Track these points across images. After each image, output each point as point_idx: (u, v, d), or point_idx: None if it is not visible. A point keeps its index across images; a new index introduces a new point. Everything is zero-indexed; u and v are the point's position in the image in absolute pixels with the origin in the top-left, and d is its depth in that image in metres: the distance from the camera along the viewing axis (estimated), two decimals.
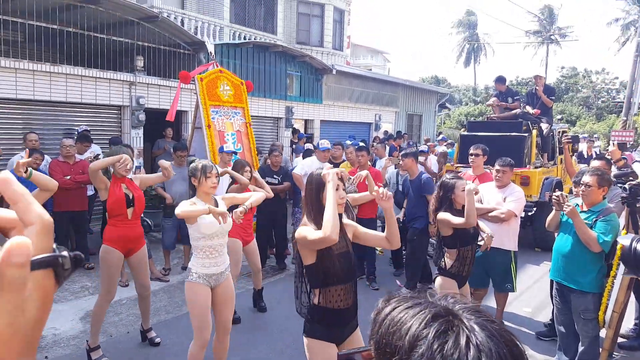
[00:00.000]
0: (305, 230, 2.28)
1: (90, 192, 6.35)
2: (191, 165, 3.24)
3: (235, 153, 6.10)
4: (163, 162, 4.04)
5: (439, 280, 3.56)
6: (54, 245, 0.59)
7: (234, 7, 13.86)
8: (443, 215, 3.44)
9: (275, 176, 6.06)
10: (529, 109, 8.08)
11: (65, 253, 0.59)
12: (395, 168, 6.27)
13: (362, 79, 14.15)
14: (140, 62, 8.15)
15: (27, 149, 3.91)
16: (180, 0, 13.55)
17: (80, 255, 0.62)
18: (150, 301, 4.26)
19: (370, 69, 31.36)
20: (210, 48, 6.91)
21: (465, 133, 7.93)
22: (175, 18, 10.38)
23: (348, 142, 8.10)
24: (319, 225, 2.24)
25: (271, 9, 14.96)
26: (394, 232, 2.42)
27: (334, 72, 12.31)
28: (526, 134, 7.44)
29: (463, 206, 3.47)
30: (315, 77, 12.18)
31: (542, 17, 41.67)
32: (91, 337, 3.83)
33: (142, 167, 6.60)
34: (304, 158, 6.78)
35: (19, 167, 4.03)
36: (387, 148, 9.34)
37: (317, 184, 2.37)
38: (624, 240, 3.22)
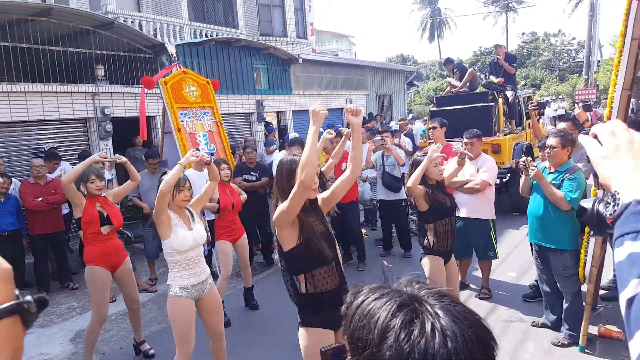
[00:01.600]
0: (279, 207, 2.22)
1: (65, 211, 6.17)
2: (162, 178, 3.10)
3: (212, 155, 6.00)
4: (117, 156, 3.98)
5: (425, 260, 3.58)
6: (17, 292, 0.57)
7: (192, 5, 13.53)
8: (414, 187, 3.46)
9: (252, 173, 6.01)
10: (492, 78, 8.22)
11: (29, 297, 0.58)
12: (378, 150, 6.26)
13: (330, 65, 14.09)
14: (101, 72, 7.91)
15: None
16: (135, 3, 13.16)
17: (45, 297, 0.60)
18: (140, 313, 4.21)
19: (337, 54, 31.22)
20: (172, 50, 6.76)
21: (435, 109, 8.02)
22: (132, 22, 10.08)
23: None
24: None
25: (230, 3, 14.66)
26: (358, 155, 2.38)
27: (301, 61, 12.22)
28: (493, 103, 7.58)
29: (437, 182, 3.55)
30: (282, 68, 12.06)
31: None
32: (85, 358, 3.76)
33: (114, 180, 6.44)
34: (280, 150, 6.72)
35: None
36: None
37: (287, 170, 2.33)
38: (586, 203, 3.31)
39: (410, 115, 13.28)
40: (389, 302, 0.68)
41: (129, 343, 4.38)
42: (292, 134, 6.28)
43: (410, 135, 10.51)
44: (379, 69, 16.89)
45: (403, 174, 5.96)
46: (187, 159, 3.10)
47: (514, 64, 8.25)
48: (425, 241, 3.56)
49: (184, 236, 2.94)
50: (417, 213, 3.68)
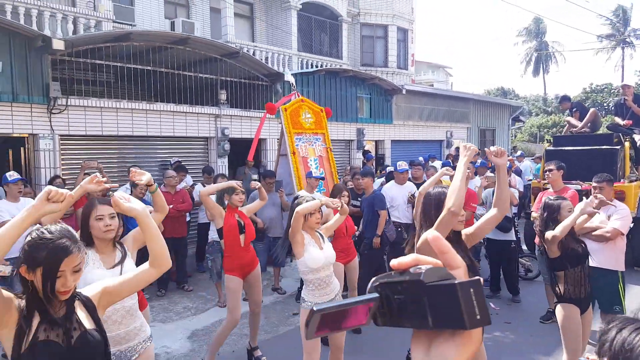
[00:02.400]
0: (422, 235, 2.36)
1: (187, 219, 6.88)
2: (297, 200, 3.42)
3: (323, 179, 6.35)
4: (255, 183, 4.44)
5: (559, 308, 3.44)
6: None
7: (301, 37, 14.49)
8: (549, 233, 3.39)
9: (359, 199, 6.23)
10: (618, 120, 7.75)
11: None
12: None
13: (432, 96, 14.14)
14: (223, 96, 8.78)
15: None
16: (250, 34, 14.41)
17: None
18: (260, 318, 4.56)
19: (432, 85, 31.08)
20: (292, 79, 7.32)
21: (551, 148, 7.71)
22: (247, 50, 11.06)
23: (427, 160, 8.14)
24: None
25: (336, 35, 15.46)
26: (505, 195, 2.49)
27: (404, 91, 12.43)
28: (618, 147, 7.12)
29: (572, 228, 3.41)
30: (384, 98, 12.37)
31: (614, 19, 39.39)
32: (209, 356, 4.16)
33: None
34: (387, 180, 6.89)
35: (140, 189, 4.50)
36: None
37: (436, 201, 2.45)
38: None
39: (519, 152, 12.78)
40: None
41: (241, 347, 4.73)
42: (401, 163, 6.44)
43: (518, 173, 10.17)
44: (483, 102, 16.56)
45: (514, 214, 5.82)
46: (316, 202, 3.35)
47: None
48: (557, 289, 3.43)
49: (317, 255, 3.24)
50: (546, 260, 3.56)
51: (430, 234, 0.60)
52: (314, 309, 0.54)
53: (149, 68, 7.92)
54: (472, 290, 0.51)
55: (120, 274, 2.50)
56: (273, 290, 6.52)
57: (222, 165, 8.68)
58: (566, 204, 3.44)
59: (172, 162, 7.82)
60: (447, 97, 14.77)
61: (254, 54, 11.51)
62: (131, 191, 6.21)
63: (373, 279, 0.59)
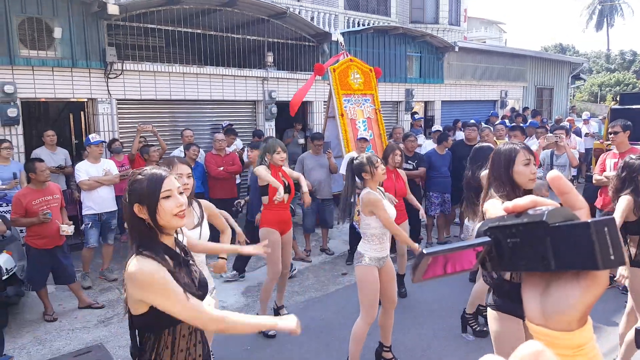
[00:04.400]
0: (492, 198, 2.28)
1: (237, 181, 7.00)
2: (355, 162, 3.39)
3: (366, 140, 6.18)
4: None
5: (634, 271, 3.24)
6: None
7: None
8: (622, 201, 3.15)
9: (410, 162, 6.08)
10: None
11: None
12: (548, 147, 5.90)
13: (486, 53, 13.35)
14: (270, 58, 8.68)
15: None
16: None
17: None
18: (287, 280, 4.61)
19: (485, 42, 29.37)
20: (340, 38, 7.09)
21: (617, 107, 7.13)
22: (293, 10, 10.79)
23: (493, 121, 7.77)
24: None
25: None
26: None
27: (457, 49, 11.80)
28: None
29: None
30: (436, 56, 11.81)
31: None
32: (262, 310, 4.31)
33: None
34: (439, 143, 6.66)
35: (193, 151, 4.60)
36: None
37: (506, 159, 2.33)
38: None
39: (585, 114, 11.93)
40: None
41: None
42: (436, 127, 6.20)
43: (577, 133, 9.59)
44: (541, 59, 15.47)
45: (573, 176, 5.56)
46: None
47: None
48: (628, 252, 3.25)
49: (392, 210, 3.27)
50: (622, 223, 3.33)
51: (551, 174, 0.55)
52: (424, 251, 0.53)
53: (198, 31, 7.92)
54: (606, 229, 0.48)
55: (200, 235, 2.69)
56: (321, 251, 6.59)
57: (269, 129, 8.69)
58: None
59: (223, 125, 7.91)
60: (502, 55, 13.91)
61: (299, 13, 11.22)
62: (184, 154, 6.37)
63: (480, 223, 0.57)
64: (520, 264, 0.53)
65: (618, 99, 7.57)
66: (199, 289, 1.81)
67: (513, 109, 12.89)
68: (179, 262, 1.78)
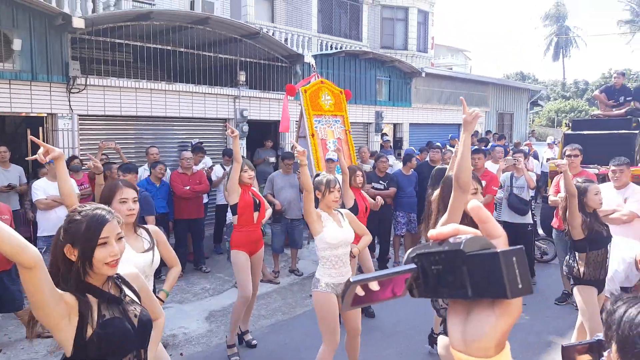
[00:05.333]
0: (440, 221, 2.30)
1: (205, 200, 6.70)
2: (316, 179, 3.31)
3: (333, 160, 6.03)
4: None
5: (577, 289, 3.38)
6: None
7: (321, 18, 14.04)
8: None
9: (381, 182, 6.00)
10: (638, 104, 7.39)
11: None
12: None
13: (451, 79, 13.64)
14: (242, 77, 8.49)
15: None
16: (270, 14, 14.01)
17: None
18: (254, 302, 4.38)
19: (451, 68, 30.21)
20: (312, 60, 7.01)
21: (570, 132, 7.38)
22: (267, 31, 10.70)
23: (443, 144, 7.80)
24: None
25: (356, 17, 14.96)
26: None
27: (424, 74, 11.98)
28: (637, 131, 6.87)
29: (594, 210, 3.38)
30: (404, 80, 11.94)
31: (635, 5, 37.76)
32: (230, 336, 4.06)
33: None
34: (404, 164, 6.64)
35: (159, 170, 4.30)
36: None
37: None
38: None
39: (550, 139, 12.23)
40: None
41: (253, 329, 4.56)
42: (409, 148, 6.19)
43: (535, 156, 9.82)
44: (502, 86, 15.95)
45: (532, 197, 5.71)
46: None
47: None
48: (575, 271, 3.35)
49: (335, 231, 3.10)
50: (570, 242, 3.49)
51: (471, 203, 0.55)
52: (351, 279, 0.52)
53: (168, 48, 7.68)
54: (514, 258, 0.49)
55: (152, 260, 2.49)
56: (290, 272, 6.35)
57: (240, 147, 8.44)
58: (593, 187, 3.38)
59: (192, 143, 7.62)
60: (466, 81, 14.25)
61: (273, 34, 11.14)
62: (150, 172, 6.05)
63: (409, 250, 0.57)
64: (443, 291, 0.53)
65: (570, 124, 7.85)
66: (139, 327, 1.67)
67: (476, 133, 13.11)
68: (106, 299, 1.64)
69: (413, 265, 0.55)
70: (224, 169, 6.91)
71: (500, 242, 0.53)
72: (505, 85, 16.20)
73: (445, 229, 0.55)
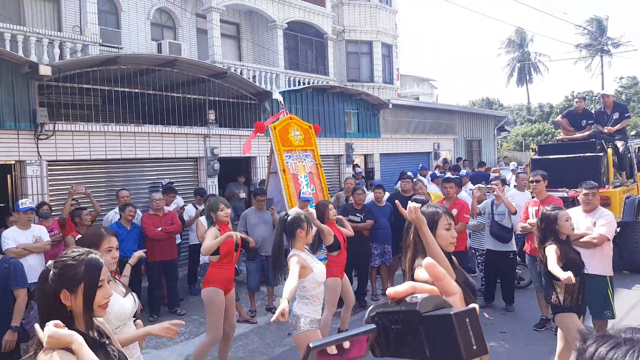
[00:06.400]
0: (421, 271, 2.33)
1: (177, 241, 6.80)
2: (294, 215, 3.41)
3: (309, 200, 6.24)
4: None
5: (560, 317, 3.48)
6: None
7: (288, 55, 14.62)
8: (550, 251, 3.38)
9: (358, 214, 6.23)
10: (600, 128, 7.90)
11: None
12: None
13: (418, 109, 14.31)
14: (212, 116, 8.78)
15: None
16: (237, 53, 14.50)
17: None
18: (231, 344, 4.49)
19: (418, 98, 31.42)
20: (280, 97, 7.36)
21: (537, 157, 7.81)
22: (235, 70, 11.10)
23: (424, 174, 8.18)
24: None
25: (322, 52, 15.62)
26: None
27: (391, 106, 12.56)
28: (601, 153, 7.25)
29: (567, 236, 3.46)
30: (372, 112, 12.47)
31: (591, 29, 40.51)
32: None
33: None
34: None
35: (129, 212, 4.47)
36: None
37: (428, 220, 2.36)
38: None
39: (513, 165, 12.71)
40: (631, 351, 0.70)
41: None
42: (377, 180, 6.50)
43: (504, 183, 10.25)
44: (468, 113, 16.81)
45: (513, 224, 5.83)
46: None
47: (627, 114, 7.90)
48: (554, 299, 3.46)
49: (322, 268, 3.28)
50: (544, 270, 3.59)
51: (426, 260, 0.59)
52: (311, 345, 0.53)
53: (136, 90, 7.91)
54: (467, 320, 0.51)
55: (135, 303, 2.61)
56: (267, 310, 6.44)
57: (212, 185, 8.64)
58: (563, 214, 3.47)
59: (163, 184, 7.76)
60: (432, 110, 14.95)
61: (241, 73, 11.56)
62: (120, 215, 6.15)
63: (370, 308, 0.58)
64: (404, 351, 0.54)
65: (537, 149, 8.26)
66: None
67: (445, 160, 13.69)
68: (96, 346, 1.70)
69: (373, 326, 0.56)
70: (196, 208, 7.06)
71: (456, 300, 0.55)
72: (471, 113, 17.06)
73: (401, 287, 0.56)
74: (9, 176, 7.00)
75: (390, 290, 0.57)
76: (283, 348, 5.25)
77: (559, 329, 3.52)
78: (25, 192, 6.43)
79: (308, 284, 3.24)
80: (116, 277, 2.80)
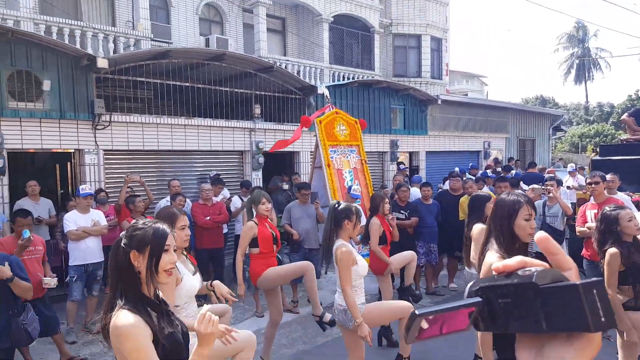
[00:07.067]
0: (494, 258, 2.26)
1: (224, 231, 7.15)
2: (344, 206, 3.51)
3: (359, 198, 6.41)
4: None
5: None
6: None
7: (333, 49, 14.82)
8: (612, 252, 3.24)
9: (402, 211, 6.33)
10: None
11: None
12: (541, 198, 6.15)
13: (468, 106, 14.12)
14: (257, 110, 9.11)
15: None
16: (282, 47, 14.84)
17: None
18: (276, 331, 4.72)
19: (466, 95, 30.80)
20: (326, 92, 7.55)
21: (597, 158, 7.60)
22: (280, 64, 11.41)
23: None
24: (510, 254, 2.18)
25: (368, 46, 15.71)
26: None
27: (439, 102, 12.49)
28: None
29: (634, 237, 3.28)
30: (419, 108, 12.46)
31: None
32: (263, 354, 4.43)
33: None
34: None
35: (179, 201, 4.76)
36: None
37: (508, 209, 2.35)
38: None
39: (571, 166, 12.28)
40: None
41: (280, 355, 4.88)
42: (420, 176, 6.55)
43: (560, 183, 10.00)
44: (521, 111, 16.38)
45: (566, 227, 5.72)
46: None
47: None
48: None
49: (362, 262, 3.40)
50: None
51: (539, 234, 0.59)
52: (416, 312, 0.54)
53: (186, 84, 8.33)
54: (595, 291, 0.50)
55: (200, 282, 2.84)
56: (309, 302, 6.65)
57: (256, 178, 8.97)
58: (625, 213, 3.29)
59: (211, 175, 8.16)
60: (484, 107, 14.71)
61: (286, 67, 11.85)
62: (171, 204, 6.53)
63: (471, 283, 0.59)
64: (513, 325, 0.54)
65: (598, 150, 8.03)
66: (184, 339, 1.87)
67: (497, 160, 13.46)
68: (162, 312, 1.83)
69: (478, 299, 0.56)
70: (242, 200, 7.38)
71: (572, 275, 0.54)
72: (525, 111, 16.62)
73: (511, 261, 0.55)
74: (69, 164, 7.57)
75: (498, 264, 0.57)
76: (325, 339, 5.44)
77: (617, 336, 3.42)
78: (83, 179, 6.96)
79: (353, 275, 3.36)
80: (188, 256, 3.03)
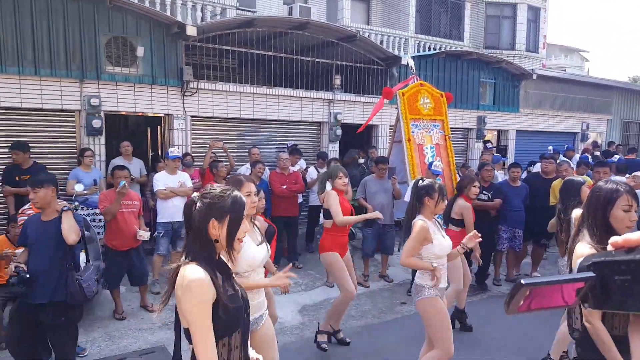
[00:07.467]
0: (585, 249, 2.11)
1: (299, 200, 7.34)
2: (426, 183, 3.45)
3: (440, 174, 6.23)
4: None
5: None
6: None
7: (419, 18, 14.31)
8: None
9: (485, 192, 6.10)
10: None
11: None
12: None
13: (567, 82, 13.06)
14: (338, 81, 9.10)
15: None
16: (366, 16, 14.59)
17: None
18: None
19: (565, 70, 28.44)
20: (411, 62, 7.35)
21: None
22: (363, 34, 11.22)
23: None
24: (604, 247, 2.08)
25: (457, 15, 14.99)
26: None
27: (535, 77, 11.68)
28: None
29: None
30: (511, 83, 11.76)
31: None
32: (326, 321, 4.55)
33: None
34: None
35: (259, 169, 4.97)
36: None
37: (605, 198, 2.17)
38: None
39: None
40: None
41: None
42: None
43: None
44: (630, 90, 14.86)
45: None
46: None
47: None
48: None
49: (441, 242, 3.32)
50: None
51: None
52: (522, 282, 0.52)
53: (269, 53, 8.50)
54: None
55: (267, 253, 2.88)
56: (380, 277, 6.71)
57: (333, 150, 9.04)
58: None
59: (288, 145, 8.36)
60: (584, 84, 13.54)
61: (369, 37, 11.65)
62: (251, 171, 6.81)
63: (582, 257, 0.56)
64: (630, 303, 0.51)
65: None
66: (244, 302, 1.91)
67: (595, 143, 12.44)
68: (228, 275, 1.88)
69: (591, 274, 0.53)
70: (318, 171, 7.50)
71: None
72: (632, 90, 15.08)
73: (634, 236, 0.52)
74: (159, 127, 8.11)
75: (617, 239, 0.54)
76: (395, 315, 5.48)
77: None
78: (172, 142, 7.45)
79: (424, 254, 3.31)
80: (255, 224, 3.14)
